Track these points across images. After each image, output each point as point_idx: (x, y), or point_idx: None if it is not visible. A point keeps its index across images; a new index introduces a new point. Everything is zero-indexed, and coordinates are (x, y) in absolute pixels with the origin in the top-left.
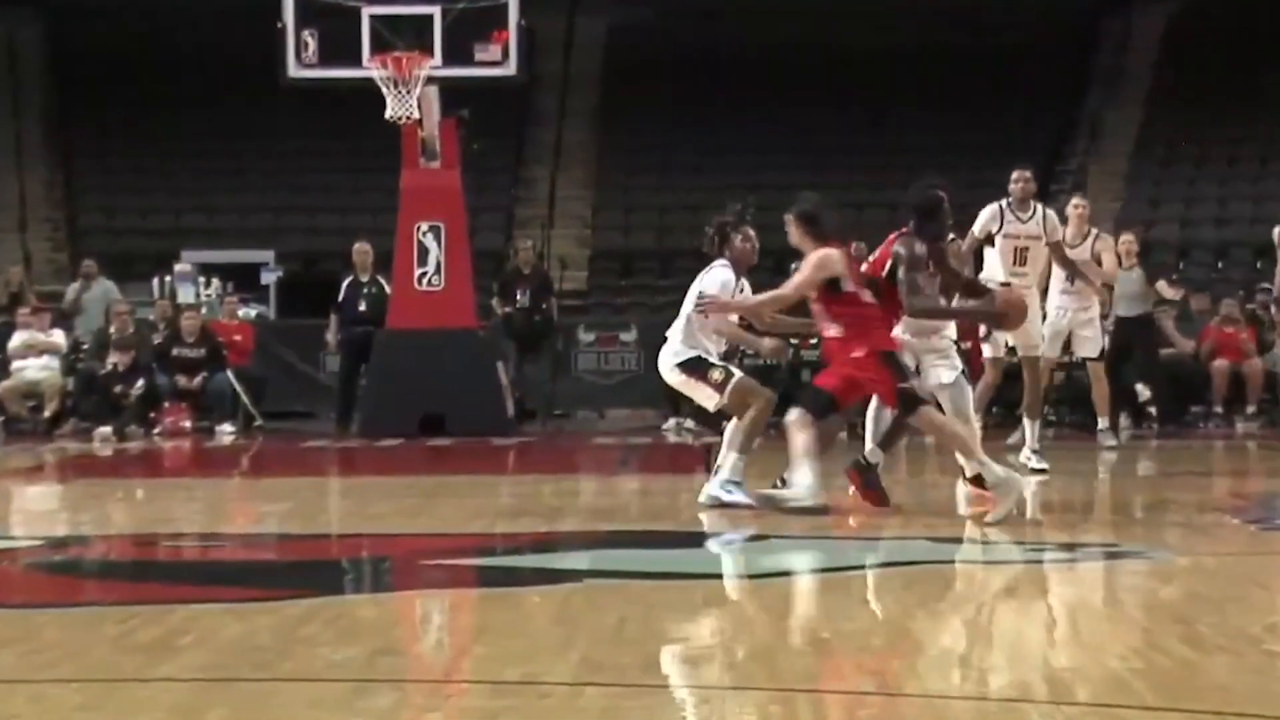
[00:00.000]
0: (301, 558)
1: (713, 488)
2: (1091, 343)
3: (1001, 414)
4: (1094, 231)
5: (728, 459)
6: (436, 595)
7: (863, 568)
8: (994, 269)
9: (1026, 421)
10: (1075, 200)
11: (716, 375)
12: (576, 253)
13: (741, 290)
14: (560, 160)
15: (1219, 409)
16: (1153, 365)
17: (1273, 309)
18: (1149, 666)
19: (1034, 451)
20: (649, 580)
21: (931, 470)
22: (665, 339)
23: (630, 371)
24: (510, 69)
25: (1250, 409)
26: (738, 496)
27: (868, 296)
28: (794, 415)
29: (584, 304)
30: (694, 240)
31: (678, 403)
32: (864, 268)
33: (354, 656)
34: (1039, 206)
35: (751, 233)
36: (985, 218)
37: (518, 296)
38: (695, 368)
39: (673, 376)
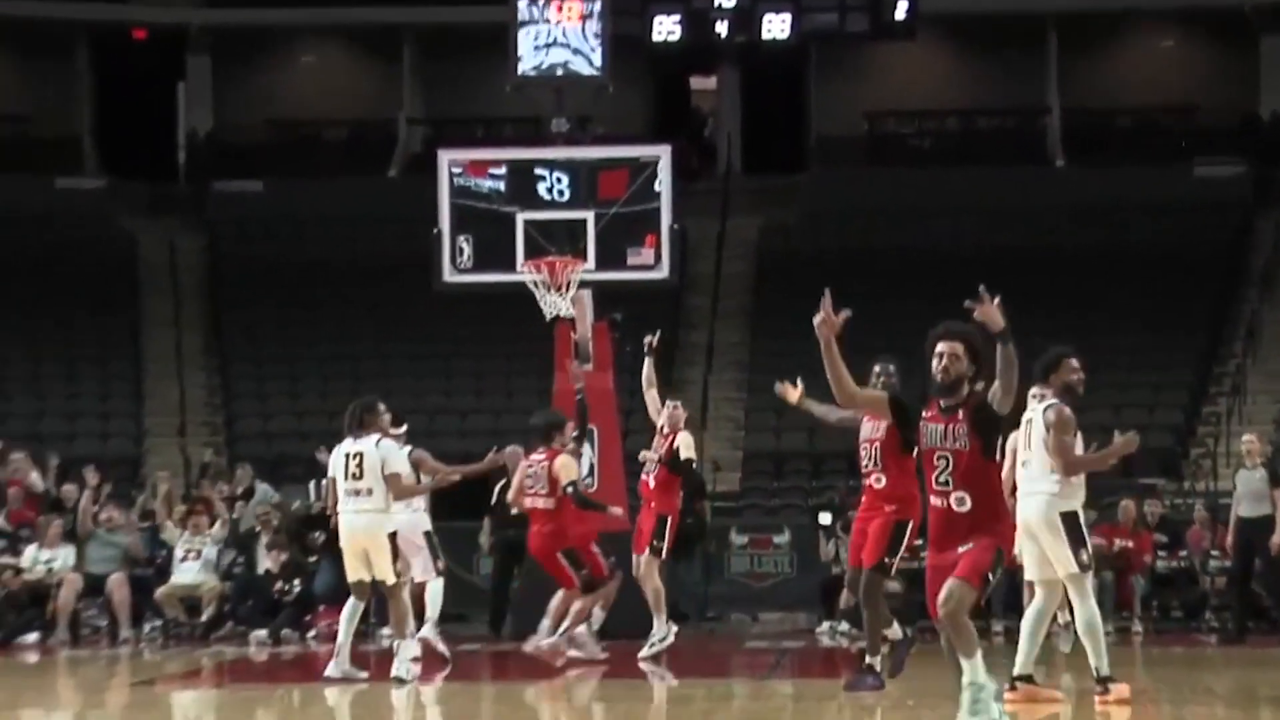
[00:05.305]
0: None
1: None
2: None
3: None
4: None
5: None
6: None
7: None
8: None
9: None
10: None
11: None
12: (729, 454)
13: None
14: (713, 362)
15: None
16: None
17: None
18: None
19: None
20: None
21: None
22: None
23: (783, 574)
24: (663, 272)
25: None
26: None
27: None
28: None
29: (736, 506)
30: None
31: (832, 606)
32: None
33: None
34: None
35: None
36: None
37: None
38: None
39: None
